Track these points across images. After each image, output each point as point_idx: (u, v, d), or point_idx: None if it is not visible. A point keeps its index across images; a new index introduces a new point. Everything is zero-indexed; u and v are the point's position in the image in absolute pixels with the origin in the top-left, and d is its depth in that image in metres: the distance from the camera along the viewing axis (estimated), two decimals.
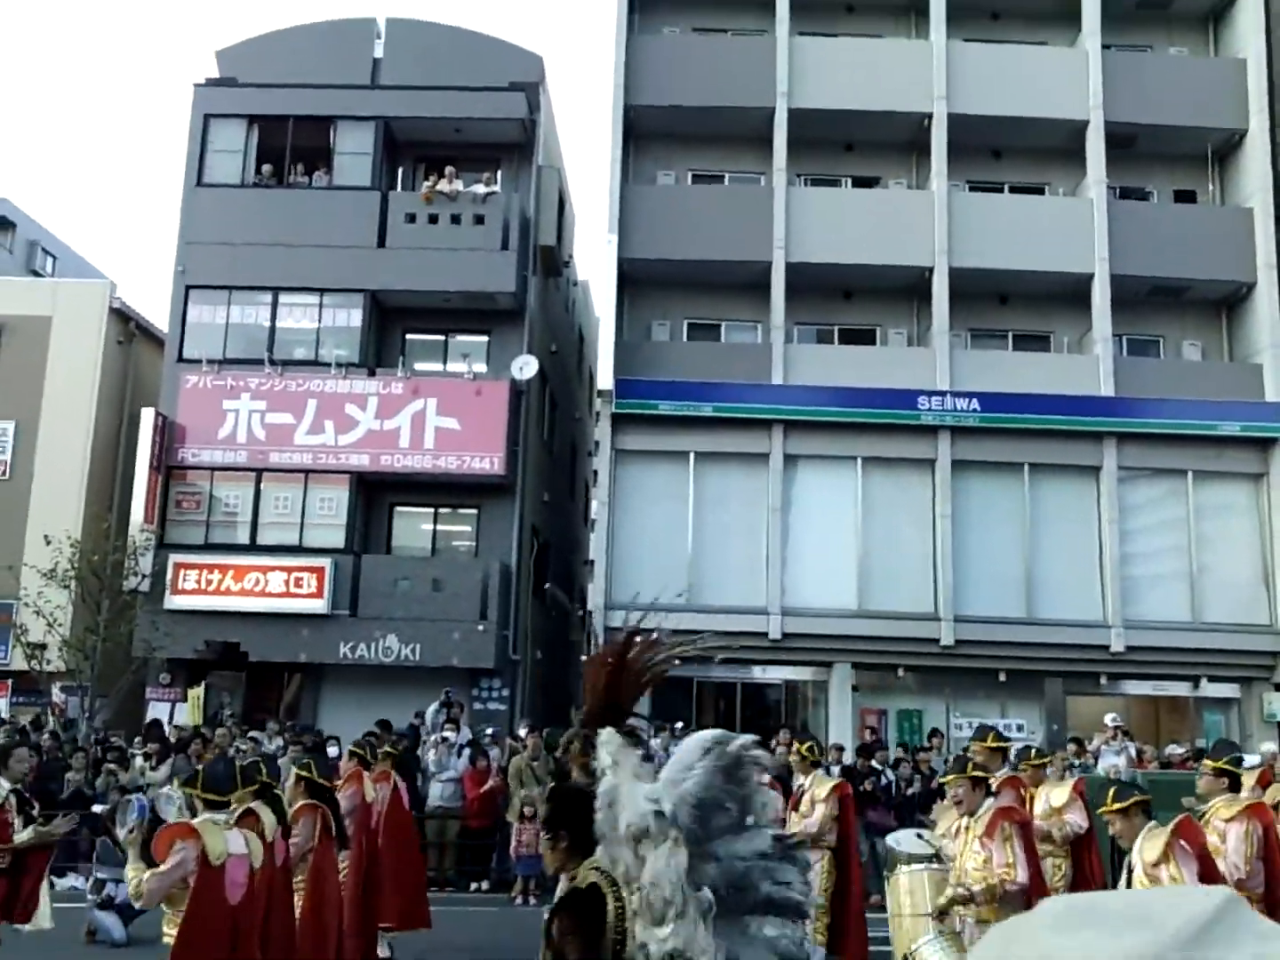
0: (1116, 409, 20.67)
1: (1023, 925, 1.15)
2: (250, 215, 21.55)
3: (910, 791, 15.29)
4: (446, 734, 16.09)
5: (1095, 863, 9.10)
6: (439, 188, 21.48)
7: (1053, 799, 9.18)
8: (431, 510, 21.78)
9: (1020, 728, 19.37)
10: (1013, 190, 22.87)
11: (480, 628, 19.67)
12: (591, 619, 20.57)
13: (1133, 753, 16.06)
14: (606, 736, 2.92)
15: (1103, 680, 20.31)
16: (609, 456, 20.81)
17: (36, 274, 28.85)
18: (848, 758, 16.36)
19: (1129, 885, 5.83)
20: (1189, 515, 20.79)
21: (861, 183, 23.10)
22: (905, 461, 20.88)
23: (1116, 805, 6.01)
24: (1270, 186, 21.55)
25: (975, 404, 20.53)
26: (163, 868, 5.60)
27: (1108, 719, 16.75)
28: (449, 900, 11.88)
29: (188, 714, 18.70)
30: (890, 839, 9.41)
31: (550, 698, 23.76)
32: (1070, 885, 8.91)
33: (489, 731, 17.14)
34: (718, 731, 2.69)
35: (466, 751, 15.69)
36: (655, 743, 15.96)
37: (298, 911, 7.01)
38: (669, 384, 20.74)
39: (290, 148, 22.17)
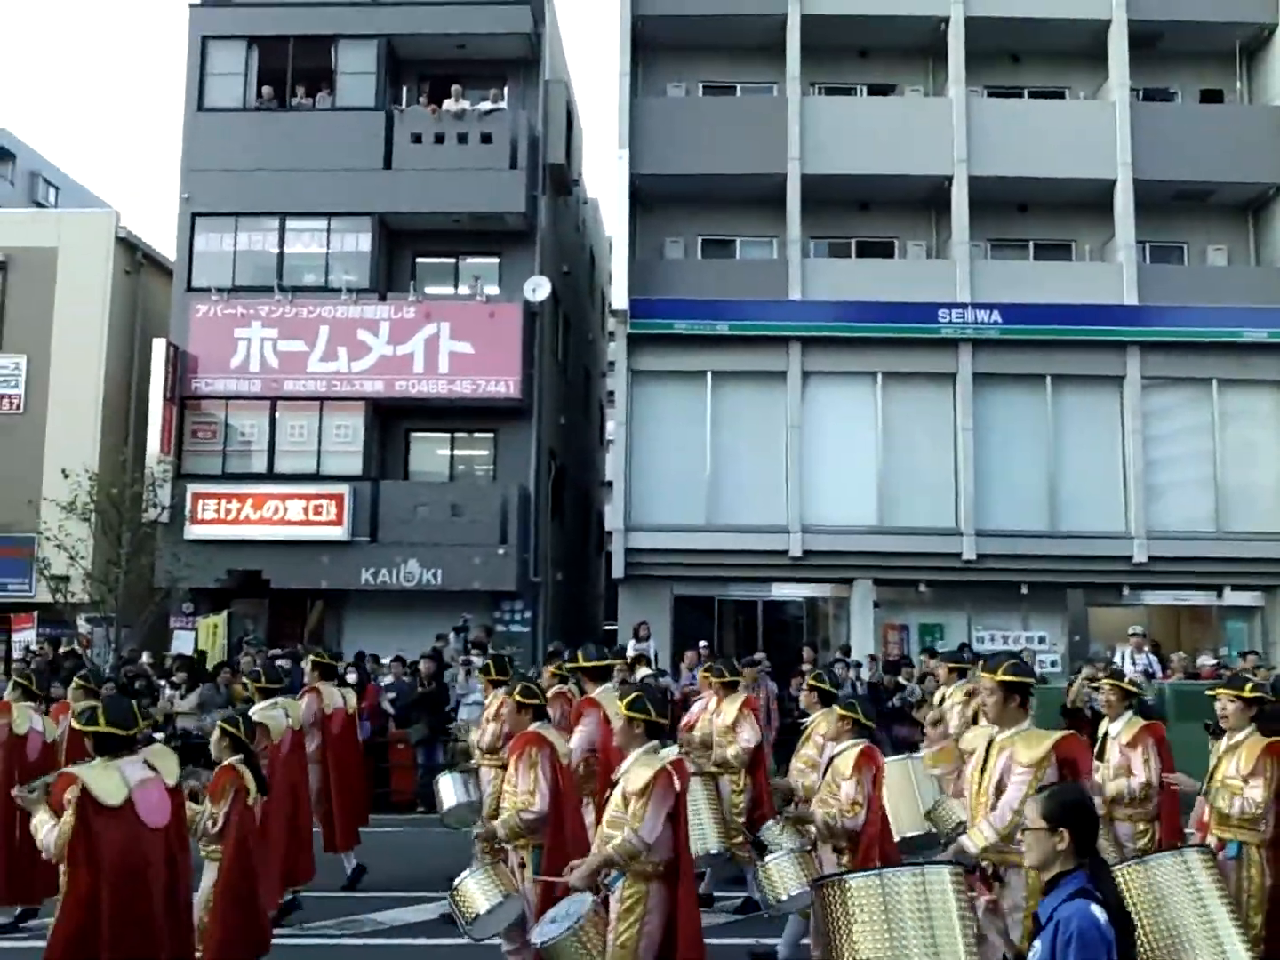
0: (1140, 317, 20.35)
1: None
2: (253, 139, 21.18)
3: None
4: (471, 658, 16.12)
5: (763, 780, 9.02)
6: (445, 106, 21.05)
7: (726, 716, 9.10)
8: (448, 435, 21.69)
9: (1042, 639, 19.39)
10: (1033, 95, 22.31)
11: (500, 551, 19.69)
12: (611, 540, 20.55)
13: (1153, 664, 16.03)
14: None
15: (1125, 591, 20.28)
16: (625, 377, 20.62)
17: (39, 205, 28.50)
18: (866, 674, 16.38)
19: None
20: (1213, 423, 20.56)
21: (877, 90, 22.54)
22: (925, 376, 20.65)
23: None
24: None
25: (996, 315, 20.23)
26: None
27: (1132, 630, 16.76)
28: None
29: (204, 641, 18.59)
30: None
31: (572, 618, 23.88)
32: (750, 801, 8.94)
33: (513, 652, 17.21)
34: None
35: None
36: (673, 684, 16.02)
37: None
38: (684, 302, 20.47)
39: (291, 69, 21.78)
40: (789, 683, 14.63)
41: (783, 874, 6.91)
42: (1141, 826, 6.82)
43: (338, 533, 19.69)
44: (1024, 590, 19.94)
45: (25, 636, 18.73)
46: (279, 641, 19.27)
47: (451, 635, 17.74)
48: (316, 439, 20.56)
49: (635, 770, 5.55)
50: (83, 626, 19.23)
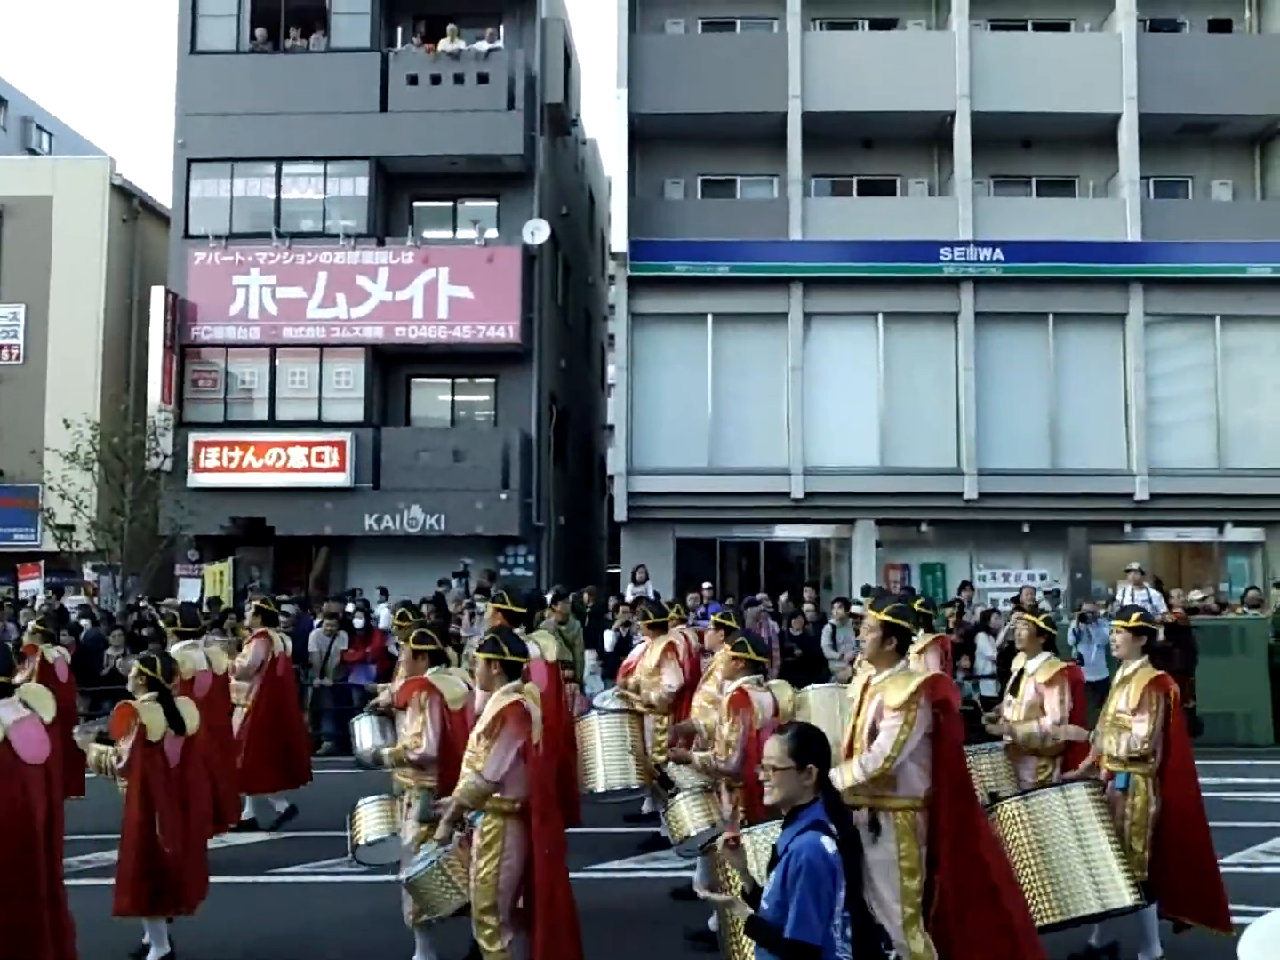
0: (1143, 254, 20.19)
1: None
2: (247, 83, 20.95)
3: None
4: (475, 602, 16.22)
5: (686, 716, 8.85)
6: (441, 47, 20.76)
7: (650, 657, 9.12)
8: (449, 381, 21.68)
9: (1044, 577, 19.45)
10: (1036, 28, 21.98)
11: (503, 496, 19.75)
12: (613, 484, 20.60)
13: (1154, 599, 16.06)
14: None
15: (1127, 528, 20.32)
16: (625, 320, 20.53)
17: (33, 152, 28.24)
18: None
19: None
20: (1215, 360, 20.47)
21: (879, 25, 22.20)
22: (927, 315, 20.54)
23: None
24: None
25: (999, 254, 20.08)
26: None
27: (1129, 567, 16.80)
28: None
29: (210, 587, 18.65)
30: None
31: (575, 562, 23.98)
32: (671, 740, 8.73)
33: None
34: None
35: None
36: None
37: None
38: (684, 244, 20.33)
39: (284, 10, 21.46)
40: (791, 623, 14.72)
41: (689, 813, 7.04)
42: (1042, 763, 6.78)
43: (340, 479, 19.74)
44: (1026, 529, 19.97)
45: (32, 586, 18.84)
46: (284, 587, 19.39)
47: (453, 580, 17.84)
48: (317, 386, 20.56)
49: (488, 709, 5.66)
50: (89, 575, 19.35)
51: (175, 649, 8.81)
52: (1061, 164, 21.69)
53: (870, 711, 5.14)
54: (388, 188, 21.42)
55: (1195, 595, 16.44)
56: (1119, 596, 16.24)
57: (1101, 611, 15.06)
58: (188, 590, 19.07)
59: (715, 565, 20.47)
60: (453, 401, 21.67)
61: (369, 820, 6.74)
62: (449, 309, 20.25)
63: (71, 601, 17.54)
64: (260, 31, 21.36)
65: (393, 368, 21.22)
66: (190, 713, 6.88)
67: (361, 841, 6.73)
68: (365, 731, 9.28)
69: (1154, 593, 16.30)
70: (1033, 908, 5.55)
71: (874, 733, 5.08)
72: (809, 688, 7.98)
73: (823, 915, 3.39)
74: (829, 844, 3.46)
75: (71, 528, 18.64)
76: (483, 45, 20.85)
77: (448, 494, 19.67)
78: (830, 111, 20.52)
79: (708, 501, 19.93)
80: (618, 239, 20.30)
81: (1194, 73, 20.45)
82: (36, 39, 74.65)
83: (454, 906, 5.77)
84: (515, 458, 20.04)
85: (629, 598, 16.39)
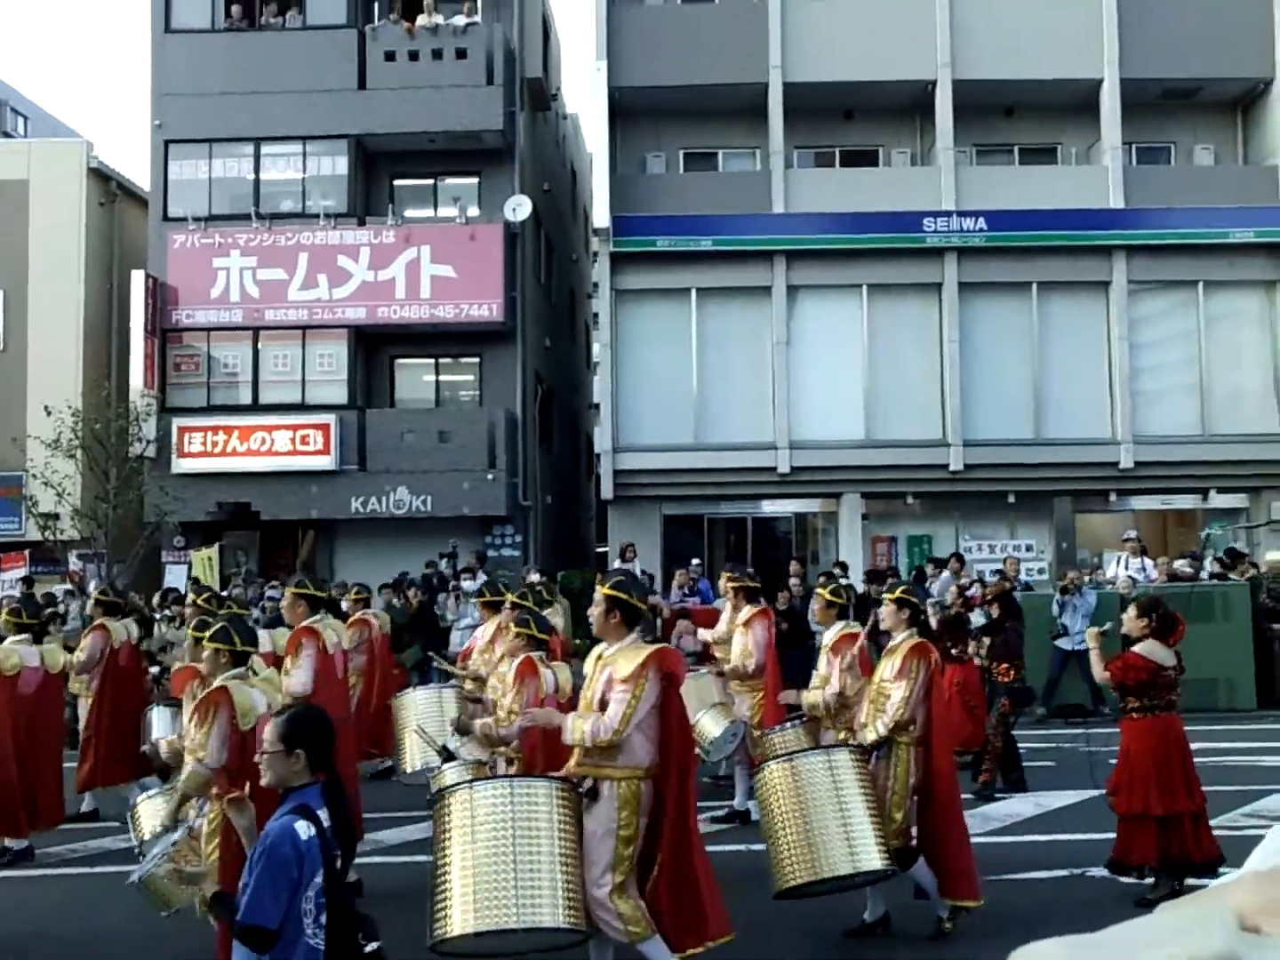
0: (1126, 220, 20.12)
1: None
2: (224, 62, 20.72)
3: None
4: (463, 583, 16.23)
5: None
6: (418, 22, 20.56)
7: (485, 634, 8.87)
8: (432, 361, 21.57)
9: (1029, 548, 19.48)
10: None
11: (489, 476, 19.71)
12: (600, 462, 20.55)
13: (1147, 568, 16.12)
14: None
15: (1112, 497, 20.35)
16: (609, 297, 20.43)
17: (7, 135, 27.91)
18: (859, 585, 16.47)
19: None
20: (1199, 326, 20.45)
21: None
22: (911, 286, 20.47)
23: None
24: None
25: (982, 223, 19.99)
26: None
27: (1126, 535, 16.85)
28: None
29: (200, 573, 18.60)
30: None
31: (562, 542, 23.98)
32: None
33: (503, 575, 17.31)
34: None
35: None
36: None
37: None
38: (666, 219, 20.20)
39: None
40: (777, 597, 14.74)
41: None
42: (843, 735, 6.82)
43: (325, 462, 19.67)
44: (1011, 499, 19.97)
45: (17, 575, 18.79)
46: (271, 572, 19.37)
47: (442, 562, 17.84)
48: (300, 368, 20.45)
49: (202, 695, 5.74)
50: (74, 563, 19.29)
51: (7, 643, 8.71)
52: (1044, 131, 21.58)
53: (600, 684, 5.18)
54: (367, 166, 21.25)
55: (1181, 564, 16.46)
56: (1117, 566, 16.30)
57: (1086, 580, 15.13)
58: (174, 577, 19.06)
59: (703, 541, 20.46)
60: (437, 382, 21.58)
61: (154, 813, 6.42)
62: (431, 288, 20.13)
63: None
64: (235, 9, 21.13)
65: (376, 349, 21.11)
66: None
67: (145, 836, 6.44)
68: (156, 723, 9.27)
69: (1148, 561, 16.38)
70: (789, 867, 5.78)
71: (604, 705, 5.12)
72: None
73: (280, 899, 3.32)
74: (303, 829, 3.39)
75: (56, 516, 18.59)
76: (460, 20, 20.65)
77: (434, 475, 19.61)
78: (811, 82, 20.38)
79: (694, 478, 19.91)
80: (600, 215, 20.16)
81: (1174, 37, 20.33)
82: (8, 22, 73.68)
83: (190, 898, 5.68)
84: (501, 437, 19.98)
85: None
